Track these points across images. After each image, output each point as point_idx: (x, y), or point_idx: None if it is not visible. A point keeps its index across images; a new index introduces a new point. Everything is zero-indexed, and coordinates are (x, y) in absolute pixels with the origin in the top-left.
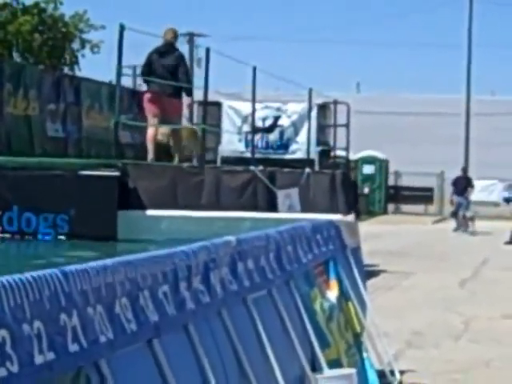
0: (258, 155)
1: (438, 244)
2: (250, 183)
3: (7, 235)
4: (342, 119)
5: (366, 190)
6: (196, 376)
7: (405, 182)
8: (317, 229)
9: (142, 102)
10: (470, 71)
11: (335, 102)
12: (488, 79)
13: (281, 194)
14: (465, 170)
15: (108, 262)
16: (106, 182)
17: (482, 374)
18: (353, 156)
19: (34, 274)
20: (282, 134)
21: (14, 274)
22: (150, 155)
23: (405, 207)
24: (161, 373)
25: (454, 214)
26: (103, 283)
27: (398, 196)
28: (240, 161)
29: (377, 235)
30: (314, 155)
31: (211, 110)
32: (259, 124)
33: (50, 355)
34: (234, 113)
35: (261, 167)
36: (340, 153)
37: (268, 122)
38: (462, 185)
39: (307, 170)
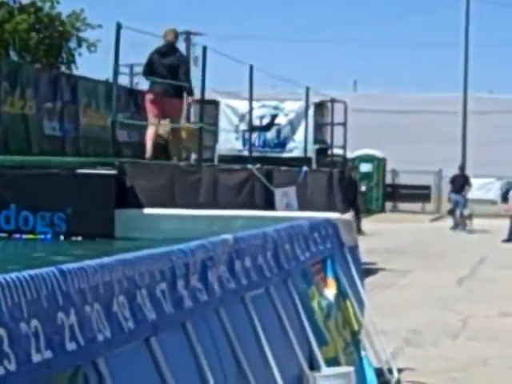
0: (255, 153)
1: (435, 242)
2: (248, 181)
3: (4, 234)
4: (339, 118)
5: (364, 189)
6: (194, 374)
7: (402, 180)
8: (314, 227)
9: (143, 102)
10: (468, 70)
11: (332, 101)
12: (486, 78)
13: (278, 193)
14: (462, 168)
15: (105, 260)
16: (103, 180)
17: (480, 372)
18: (350, 154)
19: (32, 272)
20: (279, 132)
21: (11, 273)
22: (149, 153)
23: (402, 205)
24: (158, 371)
25: (452, 212)
26: (101, 281)
27: (396, 194)
28: (237, 159)
29: (374, 233)
30: (311, 153)
31: (208, 108)
32: (256, 122)
33: (48, 354)
34: (232, 111)
35: (258, 165)
36: (337, 151)
37: (265, 121)
38: (460, 183)
39: (304, 168)
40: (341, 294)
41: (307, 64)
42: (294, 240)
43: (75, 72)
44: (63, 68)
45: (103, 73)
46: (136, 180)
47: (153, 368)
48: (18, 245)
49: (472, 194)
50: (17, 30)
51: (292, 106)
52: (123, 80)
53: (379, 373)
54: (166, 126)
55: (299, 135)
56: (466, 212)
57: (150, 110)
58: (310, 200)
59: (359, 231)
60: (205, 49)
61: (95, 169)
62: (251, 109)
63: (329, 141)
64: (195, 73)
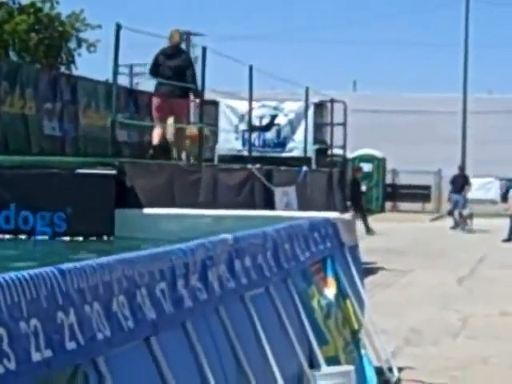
0: (255, 153)
1: (435, 242)
2: (248, 181)
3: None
4: (338, 118)
5: (364, 188)
6: (194, 373)
7: (402, 180)
8: (314, 227)
9: (150, 103)
10: (467, 70)
11: (332, 101)
12: (485, 78)
13: (278, 192)
14: (462, 168)
15: (105, 259)
16: (103, 180)
17: (480, 371)
18: (350, 154)
19: (31, 271)
20: (278, 132)
21: (10, 272)
22: (151, 151)
23: (402, 205)
24: (158, 370)
25: (451, 212)
26: (100, 281)
27: (396, 194)
28: (237, 159)
29: (374, 232)
30: (310, 153)
31: (208, 108)
32: (256, 122)
33: (48, 353)
34: (231, 111)
35: (258, 165)
36: (337, 151)
37: (265, 121)
38: (460, 183)
39: (304, 168)
40: (341, 293)
41: (307, 64)
42: (294, 239)
43: (75, 72)
44: (63, 68)
45: (103, 73)
46: (136, 180)
47: (153, 367)
48: (18, 244)
49: (472, 193)
50: (16, 30)
51: (292, 106)
52: (123, 80)
53: (379, 372)
54: (170, 127)
55: (299, 135)
56: (466, 212)
57: (157, 112)
58: (310, 200)
59: (368, 230)
60: (204, 49)
61: (95, 169)
62: (251, 109)
63: (328, 141)
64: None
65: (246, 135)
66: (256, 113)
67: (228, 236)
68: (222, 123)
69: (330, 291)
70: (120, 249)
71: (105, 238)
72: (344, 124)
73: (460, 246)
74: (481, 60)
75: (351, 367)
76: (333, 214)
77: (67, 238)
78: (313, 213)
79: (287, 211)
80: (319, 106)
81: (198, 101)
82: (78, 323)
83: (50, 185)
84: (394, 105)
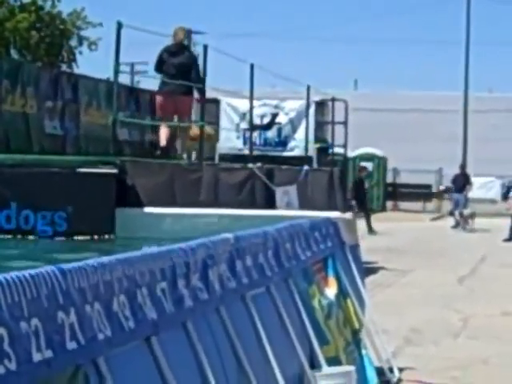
0: (255, 152)
1: (436, 241)
2: (248, 180)
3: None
4: (339, 116)
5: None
6: (195, 373)
7: (403, 179)
8: (315, 226)
9: (154, 101)
10: (468, 68)
11: (333, 100)
12: (486, 76)
13: (279, 191)
14: (463, 167)
15: (106, 259)
16: (104, 179)
17: (480, 371)
18: (351, 153)
19: (32, 271)
20: (279, 131)
21: (11, 272)
22: (159, 151)
23: (403, 204)
24: (159, 370)
25: (453, 212)
26: (101, 280)
27: (397, 193)
28: (238, 158)
29: (375, 231)
30: (311, 152)
31: (209, 107)
32: (257, 121)
33: (48, 353)
34: (232, 110)
35: (259, 164)
36: (338, 150)
37: (266, 120)
38: (461, 182)
39: (305, 167)
40: (342, 292)
41: (308, 62)
42: (295, 239)
43: (76, 70)
44: (64, 67)
45: (104, 71)
46: (137, 179)
47: (153, 367)
48: (19, 243)
49: (473, 193)
50: (17, 28)
51: (293, 105)
52: (124, 79)
53: (380, 372)
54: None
55: (300, 134)
56: (466, 212)
57: (161, 110)
58: (311, 199)
59: (370, 230)
60: (205, 47)
61: (96, 167)
62: (252, 107)
63: (329, 140)
64: None
65: (247, 134)
66: (257, 111)
67: (229, 235)
68: (223, 122)
69: (331, 291)
70: (121, 248)
71: (106, 237)
72: (345, 123)
73: (461, 246)
74: (482, 58)
75: (352, 367)
76: (334, 214)
77: (68, 237)
78: (314, 212)
79: (288, 210)
80: (320, 105)
81: (199, 99)
82: (78, 323)
83: (51, 184)
84: (395, 103)
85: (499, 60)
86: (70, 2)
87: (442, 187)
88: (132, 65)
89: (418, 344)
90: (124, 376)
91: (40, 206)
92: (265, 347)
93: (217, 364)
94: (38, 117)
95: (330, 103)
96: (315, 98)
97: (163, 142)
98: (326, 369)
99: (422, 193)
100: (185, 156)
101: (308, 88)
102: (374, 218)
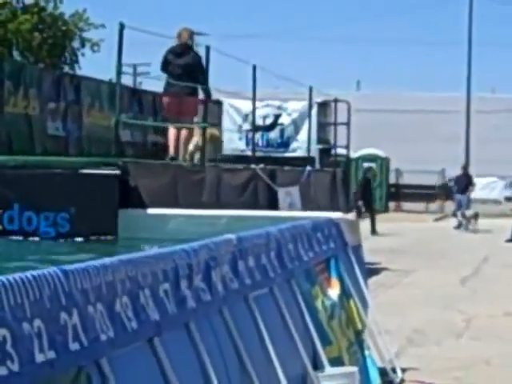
0: (258, 153)
1: (439, 242)
2: (251, 181)
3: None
4: (342, 117)
5: None
6: (197, 374)
7: (406, 179)
8: (317, 227)
9: (161, 103)
10: (471, 69)
11: (335, 100)
12: (488, 77)
13: (281, 192)
14: (465, 167)
15: (108, 260)
16: (106, 180)
17: (483, 372)
18: (353, 154)
19: (35, 272)
20: (282, 132)
21: (14, 273)
22: (171, 153)
23: (406, 205)
24: (162, 371)
25: (455, 213)
26: (103, 282)
27: (399, 194)
28: (241, 159)
29: (378, 233)
30: (314, 153)
31: (211, 108)
32: (260, 122)
33: (51, 354)
34: (235, 111)
35: (261, 165)
36: (340, 151)
37: (268, 121)
38: (463, 183)
39: (308, 167)
40: (344, 293)
41: (310, 63)
42: (298, 240)
43: (78, 72)
44: (66, 68)
45: (106, 73)
46: (139, 180)
47: (156, 368)
48: (21, 245)
49: (475, 193)
50: (20, 30)
51: (295, 106)
52: (126, 80)
53: (383, 372)
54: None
55: (302, 135)
56: (469, 212)
57: (168, 112)
58: (314, 200)
59: (373, 231)
60: (208, 48)
61: (98, 169)
62: (254, 108)
63: (332, 140)
64: None
65: (250, 135)
66: (259, 112)
67: (231, 236)
68: (226, 123)
69: (334, 291)
70: (123, 249)
71: (108, 238)
72: (348, 124)
73: (463, 246)
74: (484, 59)
75: (355, 368)
76: (336, 214)
77: (70, 239)
78: (316, 213)
79: (291, 211)
80: (323, 106)
81: (205, 99)
82: (81, 324)
83: (54, 185)
84: (397, 104)
85: (502, 61)
86: (72, 3)
87: (450, 183)
88: (134, 66)
89: (421, 344)
90: (127, 377)
91: (42, 207)
92: (267, 348)
93: (219, 365)
94: (41, 118)
95: (332, 104)
96: (317, 98)
97: (172, 144)
98: (329, 369)
99: (424, 193)
100: (188, 156)
101: (310, 89)
102: (377, 218)
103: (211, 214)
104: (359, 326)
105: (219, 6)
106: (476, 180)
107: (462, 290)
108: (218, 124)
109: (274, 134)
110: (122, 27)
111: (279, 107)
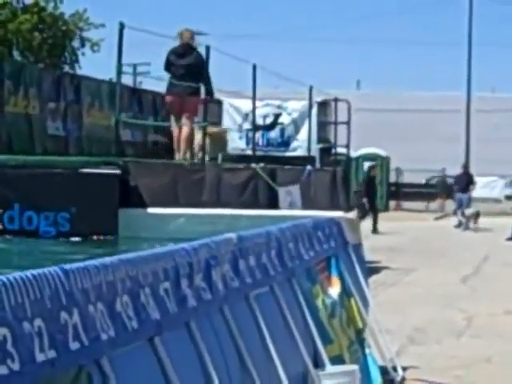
0: (258, 153)
1: (439, 240)
2: (251, 180)
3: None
4: (342, 116)
5: None
6: (198, 373)
7: (406, 178)
8: (318, 226)
9: (164, 103)
10: (471, 68)
11: (336, 100)
12: (489, 77)
13: (282, 191)
14: (466, 166)
15: (108, 259)
16: (106, 179)
17: (483, 370)
18: (353, 153)
19: (35, 272)
20: (282, 131)
21: (14, 273)
22: (181, 154)
23: (406, 204)
24: (163, 370)
25: (456, 211)
26: (104, 281)
27: (400, 193)
28: (241, 158)
29: (378, 232)
30: (314, 152)
31: (212, 107)
32: (260, 122)
33: (51, 353)
34: (235, 110)
35: (262, 164)
36: (340, 150)
37: (269, 120)
38: (464, 182)
39: (308, 167)
40: (345, 292)
41: (310, 63)
42: (298, 239)
43: (78, 72)
44: (66, 68)
45: (106, 72)
46: (139, 179)
47: (157, 367)
48: (22, 244)
49: (476, 192)
50: (20, 30)
51: (295, 105)
52: (126, 79)
53: (383, 371)
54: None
55: (303, 134)
56: (470, 211)
57: (172, 112)
58: (314, 199)
59: (374, 229)
60: (208, 48)
61: (99, 168)
62: (254, 108)
63: (332, 140)
64: None
65: (250, 134)
66: (260, 112)
67: (232, 235)
68: (226, 122)
69: (335, 290)
70: (124, 248)
71: (108, 237)
72: (348, 123)
73: (464, 245)
74: (484, 58)
75: (355, 366)
76: (337, 213)
77: (71, 238)
78: (317, 212)
79: (291, 210)
80: (323, 105)
81: (208, 99)
82: (81, 323)
83: (54, 184)
84: (397, 103)
85: (502, 60)
86: (73, 3)
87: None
88: (134, 66)
89: (422, 343)
90: (127, 376)
91: (43, 207)
92: (268, 347)
93: (220, 364)
94: (41, 118)
95: (332, 103)
96: (318, 98)
97: (176, 144)
98: (330, 368)
99: (425, 192)
100: (188, 155)
101: (310, 88)
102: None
103: (211, 213)
104: (360, 325)
105: (219, 5)
106: (476, 179)
107: (463, 289)
108: (218, 123)
109: (274, 134)
110: (121, 27)
111: (279, 106)
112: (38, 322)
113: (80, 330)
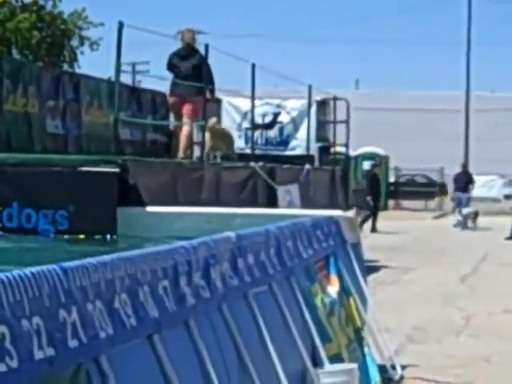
0: (257, 151)
1: (438, 239)
2: (250, 179)
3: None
4: (341, 116)
5: None
6: (197, 371)
7: (405, 178)
8: (317, 224)
9: (166, 104)
10: (470, 68)
11: (335, 99)
12: (488, 76)
13: (281, 190)
14: (465, 166)
15: (107, 257)
16: (105, 178)
17: (482, 369)
18: (352, 152)
19: (33, 269)
20: (281, 130)
21: (13, 270)
22: (181, 153)
23: (405, 203)
24: (161, 368)
25: (455, 210)
26: (102, 279)
27: (398, 192)
28: (240, 157)
29: (377, 231)
30: (313, 151)
31: (210, 106)
32: (259, 120)
33: (50, 351)
34: (234, 109)
35: (261, 163)
36: (339, 149)
37: (268, 119)
38: (463, 181)
39: (307, 166)
40: (344, 290)
41: (309, 62)
42: (297, 237)
43: (77, 70)
44: (65, 66)
45: (106, 71)
46: (138, 178)
47: (155, 365)
48: (20, 242)
49: (475, 191)
50: (19, 28)
51: (294, 104)
52: (126, 78)
53: (382, 369)
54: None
55: (301, 133)
56: (469, 210)
57: (175, 113)
58: (313, 197)
59: (373, 228)
60: (207, 47)
61: (98, 166)
62: (253, 107)
63: (331, 139)
64: None
65: (249, 133)
66: (259, 111)
67: (231, 234)
68: (225, 121)
69: (333, 289)
70: (122, 247)
71: (107, 236)
72: (347, 122)
73: (463, 244)
74: (483, 58)
75: (354, 365)
76: (335, 212)
77: (69, 236)
78: (315, 210)
79: (290, 209)
80: (322, 104)
81: (210, 99)
82: (80, 321)
83: (53, 183)
84: (396, 103)
85: (501, 60)
86: (71, 1)
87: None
88: (133, 64)
89: (421, 342)
90: (126, 374)
91: (42, 205)
92: (267, 345)
93: (219, 362)
94: (40, 116)
95: (331, 102)
96: (317, 97)
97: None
98: (329, 366)
99: (424, 191)
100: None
101: (309, 87)
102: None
103: (210, 211)
104: (359, 324)
105: (219, 5)
106: (475, 178)
107: (462, 288)
108: (217, 122)
109: (273, 133)
110: (120, 26)
111: (278, 105)
112: (36, 319)
113: (78, 328)
